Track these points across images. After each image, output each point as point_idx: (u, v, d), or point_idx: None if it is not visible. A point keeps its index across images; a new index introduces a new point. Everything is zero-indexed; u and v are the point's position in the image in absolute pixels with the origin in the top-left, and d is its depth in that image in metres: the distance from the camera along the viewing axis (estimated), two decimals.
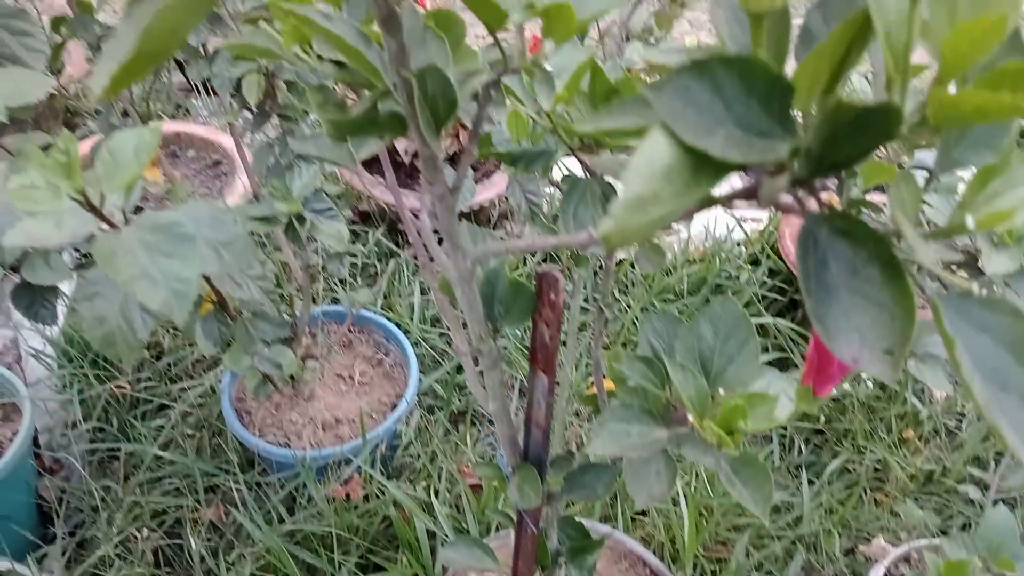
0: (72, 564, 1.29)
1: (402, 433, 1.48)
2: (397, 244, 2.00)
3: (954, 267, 0.90)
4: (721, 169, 0.29)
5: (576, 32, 0.46)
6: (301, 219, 1.01)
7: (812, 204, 0.35)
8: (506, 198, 2.10)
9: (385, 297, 1.82)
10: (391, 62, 0.44)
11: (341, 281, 1.81)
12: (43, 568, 1.28)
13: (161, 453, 1.38)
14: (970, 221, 0.31)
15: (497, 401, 0.65)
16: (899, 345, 0.31)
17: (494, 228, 2.23)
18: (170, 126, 2.03)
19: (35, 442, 1.42)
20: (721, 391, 0.65)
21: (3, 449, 1.29)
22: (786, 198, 0.34)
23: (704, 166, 0.29)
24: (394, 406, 1.45)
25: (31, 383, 1.49)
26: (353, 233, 1.98)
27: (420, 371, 1.51)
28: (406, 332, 1.64)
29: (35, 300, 1.03)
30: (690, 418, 0.62)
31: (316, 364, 1.45)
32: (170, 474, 1.40)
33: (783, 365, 1.77)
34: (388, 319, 1.63)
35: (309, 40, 0.59)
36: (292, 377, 1.37)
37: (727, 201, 0.35)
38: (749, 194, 0.35)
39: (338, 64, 0.57)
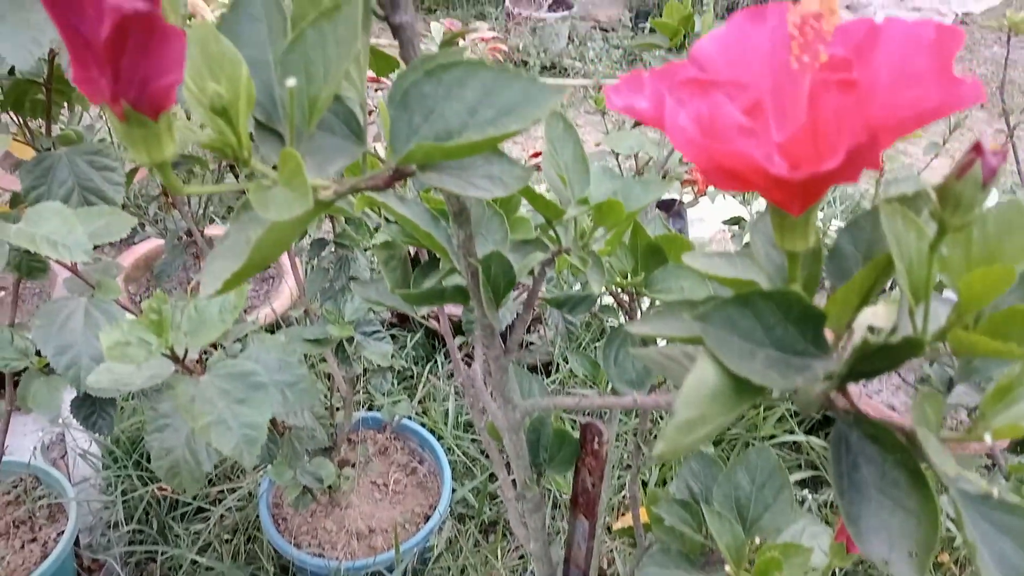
0: None
1: (434, 545, 1.49)
2: (434, 348, 2.04)
3: None
4: (761, 390, 0.33)
5: (623, 222, 0.51)
6: (350, 339, 1.06)
7: (842, 402, 0.39)
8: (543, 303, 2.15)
9: (420, 401, 1.85)
10: (459, 248, 0.48)
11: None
12: None
13: (198, 559, 1.40)
14: (988, 437, 0.34)
15: (538, 542, 0.67)
16: (923, 549, 0.34)
17: (528, 331, 2.27)
18: (221, 229, 2.12)
19: (76, 541, 1.45)
20: (757, 539, 0.67)
21: (47, 550, 1.32)
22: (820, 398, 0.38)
23: (746, 388, 0.33)
24: (427, 517, 1.47)
25: (76, 482, 1.52)
26: (391, 336, 2.03)
27: (452, 478, 1.53)
28: (440, 438, 1.66)
29: (94, 411, 1.08)
30: (727, 568, 0.64)
31: (353, 472, 1.48)
32: None
33: (816, 483, 1.76)
34: (423, 425, 1.67)
35: (377, 204, 0.64)
36: (330, 486, 1.39)
37: (769, 398, 0.39)
38: (789, 394, 0.39)
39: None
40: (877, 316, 0.41)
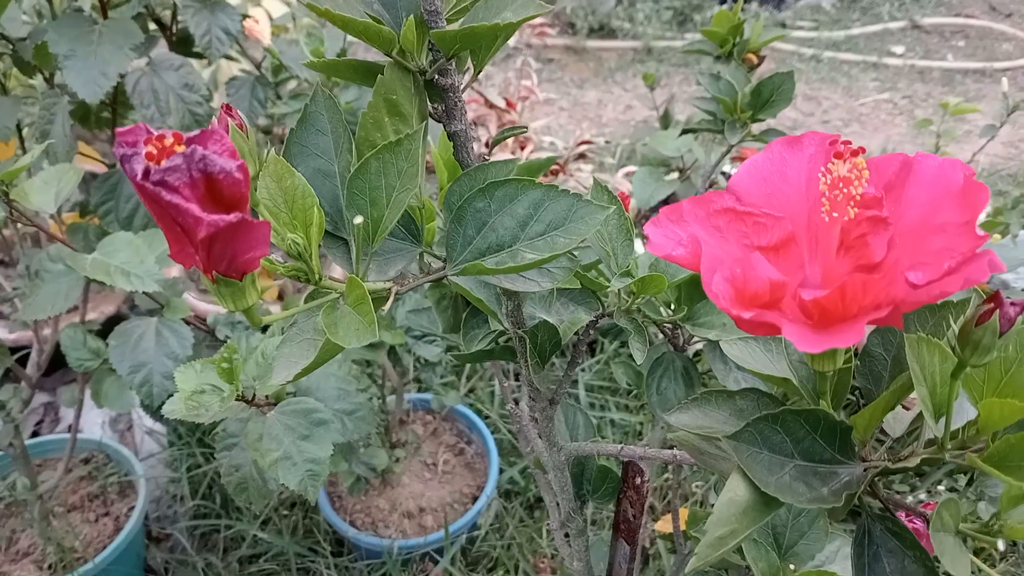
0: None
1: (481, 524, 1.55)
2: None
3: None
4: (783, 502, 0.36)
5: (664, 289, 0.53)
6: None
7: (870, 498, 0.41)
8: None
9: (468, 378, 1.91)
10: (507, 317, 0.52)
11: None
12: None
13: (260, 535, 1.48)
14: (1001, 544, 0.37)
15: (582, 562, 0.71)
16: None
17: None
18: None
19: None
20: (792, 565, 0.70)
21: (120, 524, 1.41)
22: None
23: (773, 500, 0.36)
24: (475, 497, 1.53)
25: (143, 457, 1.61)
26: None
27: (499, 455, 1.58)
28: (486, 417, 1.72)
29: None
30: None
31: (404, 454, 1.54)
32: (267, 550, 1.50)
33: None
34: (470, 405, 1.72)
35: None
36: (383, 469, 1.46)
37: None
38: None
39: None
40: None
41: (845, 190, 0.31)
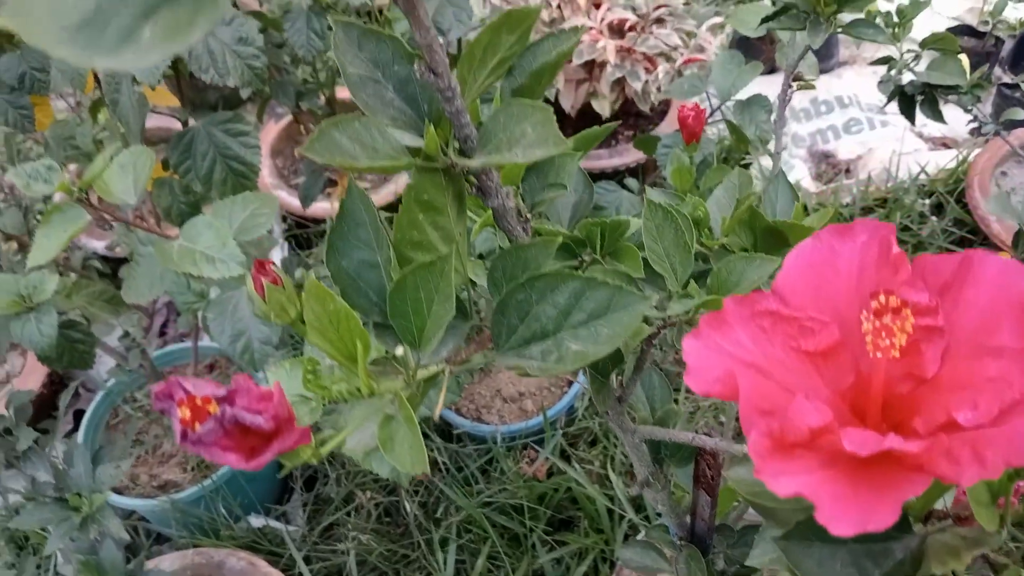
0: (311, 518, 1.55)
1: (578, 406, 1.61)
2: None
3: None
4: None
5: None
6: None
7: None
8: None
9: None
10: None
11: None
12: (288, 522, 1.55)
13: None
14: None
15: (666, 506, 0.75)
16: None
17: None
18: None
19: None
20: None
21: None
22: None
23: None
24: (570, 382, 1.58)
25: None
26: None
27: None
28: None
29: None
30: None
31: None
32: None
33: None
34: None
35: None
36: None
37: None
38: None
39: None
40: None
41: (888, 340, 0.30)
